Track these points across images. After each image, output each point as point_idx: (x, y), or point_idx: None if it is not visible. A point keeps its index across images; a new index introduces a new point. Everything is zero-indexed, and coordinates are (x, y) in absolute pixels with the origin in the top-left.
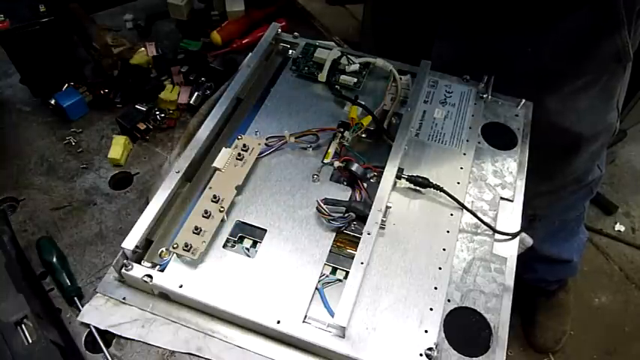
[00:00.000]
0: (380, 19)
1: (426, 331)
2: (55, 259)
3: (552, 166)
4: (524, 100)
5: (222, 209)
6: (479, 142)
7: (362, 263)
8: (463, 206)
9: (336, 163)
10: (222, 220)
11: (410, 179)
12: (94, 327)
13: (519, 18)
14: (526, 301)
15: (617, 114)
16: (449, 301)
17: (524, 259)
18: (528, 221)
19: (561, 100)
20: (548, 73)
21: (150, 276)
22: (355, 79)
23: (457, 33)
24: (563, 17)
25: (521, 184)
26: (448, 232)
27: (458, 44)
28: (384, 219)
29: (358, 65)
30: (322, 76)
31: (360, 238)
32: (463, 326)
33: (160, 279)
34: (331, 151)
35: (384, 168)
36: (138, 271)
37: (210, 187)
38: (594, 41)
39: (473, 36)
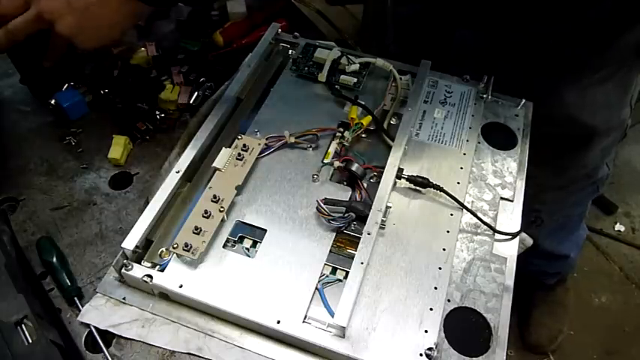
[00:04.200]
0: (401, 11)
1: (426, 331)
2: (55, 259)
3: (564, 160)
4: (524, 100)
5: (222, 209)
6: (479, 142)
7: (362, 263)
8: (463, 206)
9: (336, 163)
10: (222, 220)
11: (410, 179)
12: (94, 327)
13: (542, 8)
14: (523, 296)
15: (630, 111)
16: (449, 301)
17: (523, 255)
18: (530, 222)
19: (580, 92)
20: (569, 64)
21: (150, 276)
22: (355, 79)
23: (479, 23)
24: (586, 8)
25: (521, 184)
26: (448, 232)
27: (480, 35)
28: (384, 219)
29: (358, 65)
30: (322, 76)
31: (360, 238)
32: (463, 326)
33: (160, 279)
34: (331, 151)
35: (384, 168)
36: (138, 271)
37: (210, 187)
38: (616, 32)
39: (495, 26)
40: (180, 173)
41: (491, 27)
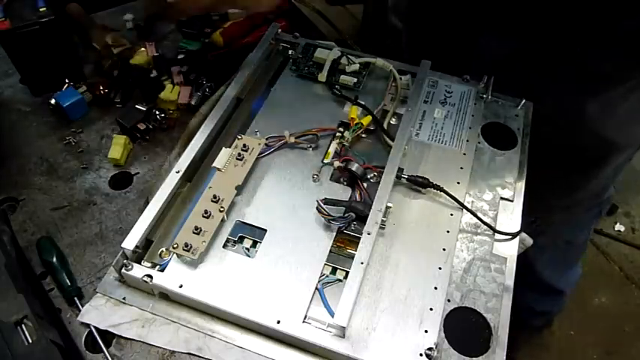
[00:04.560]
0: (418, 17)
1: (426, 331)
2: (55, 259)
3: (577, 177)
4: (524, 100)
5: (222, 209)
6: (479, 142)
7: (362, 263)
8: (463, 206)
9: (336, 163)
10: (222, 220)
11: (410, 179)
12: (94, 327)
13: (570, 19)
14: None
15: None
16: (449, 301)
17: (519, 283)
18: (530, 222)
19: (604, 105)
20: (594, 75)
21: (150, 276)
22: (355, 79)
23: (505, 30)
24: (620, 18)
25: (521, 184)
26: (448, 232)
27: (505, 42)
28: (384, 219)
29: (358, 65)
30: (322, 76)
31: (360, 238)
32: (463, 326)
33: (160, 279)
34: (331, 151)
35: (384, 168)
36: (138, 271)
37: (210, 187)
38: None
39: (521, 34)
40: (180, 173)
41: (516, 35)
